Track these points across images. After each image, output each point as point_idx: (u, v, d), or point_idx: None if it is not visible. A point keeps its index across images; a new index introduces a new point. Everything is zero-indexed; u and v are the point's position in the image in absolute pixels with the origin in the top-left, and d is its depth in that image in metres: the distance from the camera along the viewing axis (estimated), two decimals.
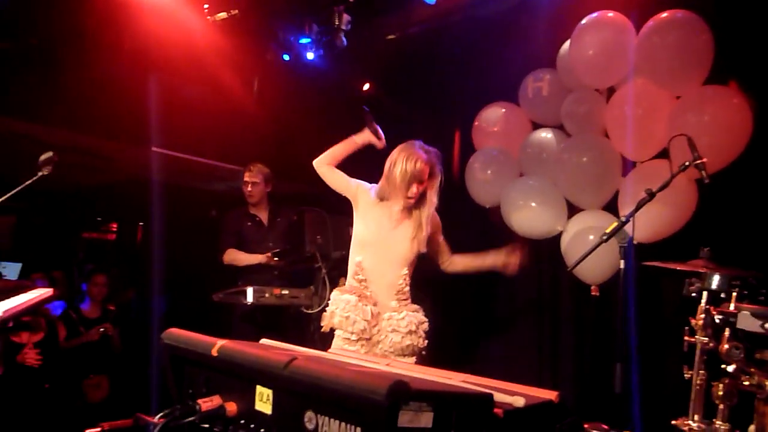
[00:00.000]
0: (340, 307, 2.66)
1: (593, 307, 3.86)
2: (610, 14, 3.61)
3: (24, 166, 3.03)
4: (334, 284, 3.71)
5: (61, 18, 3.93)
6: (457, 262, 3.00)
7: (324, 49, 4.52)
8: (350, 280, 2.77)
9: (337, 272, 3.96)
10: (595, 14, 3.63)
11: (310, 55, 4.60)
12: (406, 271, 2.77)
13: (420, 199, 2.77)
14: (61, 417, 4.24)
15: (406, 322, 2.66)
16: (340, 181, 2.84)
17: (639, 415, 3.18)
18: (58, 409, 4.24)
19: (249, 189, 4.13)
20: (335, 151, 2.87)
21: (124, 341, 4.73)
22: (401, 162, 2.71)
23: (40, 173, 2.89)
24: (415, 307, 2.77)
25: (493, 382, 1.35)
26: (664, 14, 3.39)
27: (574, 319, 4.11)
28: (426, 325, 2.75)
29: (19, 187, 2.86)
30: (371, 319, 2.64)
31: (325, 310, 2.76)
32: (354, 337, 2.62)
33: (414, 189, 2.69)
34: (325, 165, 2.85)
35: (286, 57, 4.69)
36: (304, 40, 4.46)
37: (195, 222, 5.86)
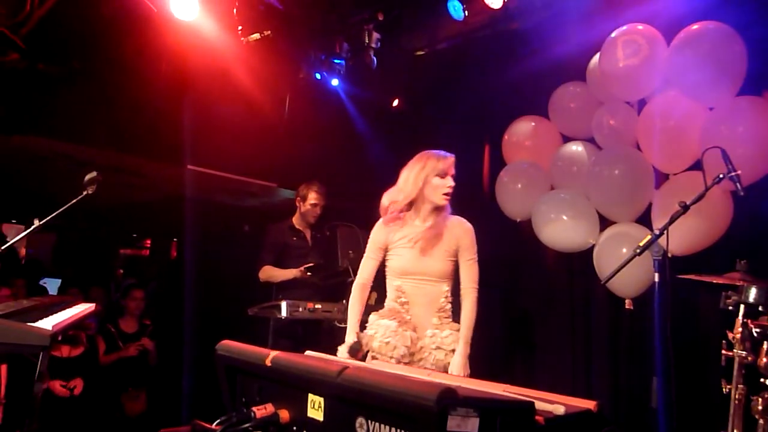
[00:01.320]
0: (380, 333, 2.62)
1: (628, 321, 3.83)
2: (640, 27, 3.62)
3: (66, 185, 3.15)
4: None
5: (102, 42, 4.09)
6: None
7: (354, 66, 4.61)
8: (391, 303, 2.71)
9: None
10: (624, 27, 3.64)
11: (335, 82, 4.70)
12: (447, 288, 2.71)
13: (440, 210, 2.72)
14: (102, 429, 4.34)
15: (451, 340, 2.61)
16: (373, 267, 2.79)
17: (676, 430, 3.12)
18: (99, 422, 4.34)
19: (318, 210, 4.18)
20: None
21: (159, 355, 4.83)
22: (429, 161, 2.67)
23: (85, 192, 2.96)
24: (457, 326, 2.70)
25: (533, 392, 1.38)
26: (695, 26, 3.39)
27: (608, 332, 4.08)
28: (467, 349, 2.67)
29: (66, 206, 2.95)
30: (411, 344, 2.60)
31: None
32: (393, 362, 2.56)
33: (450, 181, 2.65)
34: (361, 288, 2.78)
35: (318, 76, 4.79)
36: (336, 61, 4.54)
37: (228, 237, 5.97)
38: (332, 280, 4.22)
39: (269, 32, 4.35)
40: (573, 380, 4.21)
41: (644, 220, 3.67)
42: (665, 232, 2.65)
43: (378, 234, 2.77)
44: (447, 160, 2.69)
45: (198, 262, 5.61)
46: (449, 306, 2.69)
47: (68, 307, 3.20)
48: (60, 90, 4.11)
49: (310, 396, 1.12)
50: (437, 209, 2.71)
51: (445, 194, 2.67)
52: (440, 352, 2.58)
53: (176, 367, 4.92)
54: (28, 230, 3.15)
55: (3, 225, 7.12)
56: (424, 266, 2.68)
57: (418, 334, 2.63)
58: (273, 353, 1.22)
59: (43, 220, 2.84)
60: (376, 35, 4.35)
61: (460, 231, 2.73)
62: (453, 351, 2.59)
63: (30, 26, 3.54)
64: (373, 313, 2.73)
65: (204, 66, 4.42)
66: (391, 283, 2.73)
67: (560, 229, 3.90)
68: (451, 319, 2.70)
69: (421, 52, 4.78)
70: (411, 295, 2.66)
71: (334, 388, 1.05)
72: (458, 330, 2.65)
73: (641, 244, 2.63)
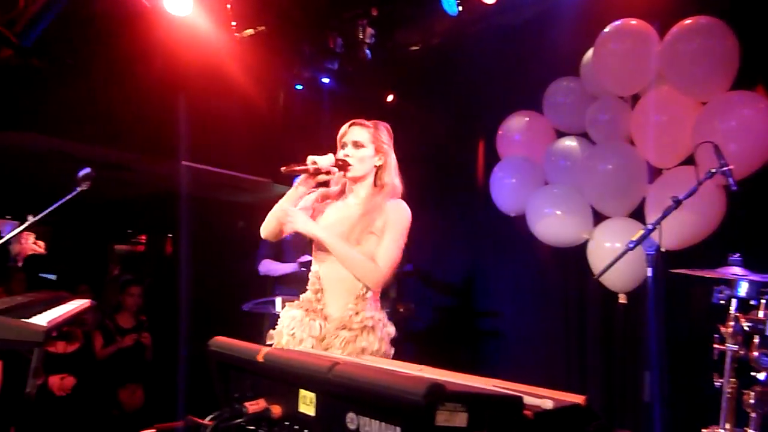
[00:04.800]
0: (285, 325, 2.31)
1: (621, 315, 3.85)
2: (633, 22, 3.63)
3: (60, 181, 3.14)
4: None
5: (95, 38, 4.08)
6: None
7: (348, 62, 4.61)
8: (306, 294, 2.38)
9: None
10: (618, 22, 3.65)
11: (325, 80, 4.70)
12: None
13: (362, 181, 2.37)
14: (99, 425, 4.36)
15: (360, 318, 2.22)
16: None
17: (668, 423, 3.15)
18: (96, 417, 4.36)
19: None
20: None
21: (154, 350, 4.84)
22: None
23: (79, 188, 2.96)
24: (379, 311, 2.31)
25: (522, 386, 1.39)
26: (688, 21, 3.40)
27: (601, 327, 4.10)
28: (391, 330, 2.28)
29: (59, 202, 2.94)
30: (319, 335, 2.23)
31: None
32: None
33: (347, 150, 2.33)
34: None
35: (309, 71, 4.80)
36: (329, 57, 4.55)
37: (223, 233, 5.98)
38: None
39: (263, 28, 4.35)
40: (567, 375, 4.23)
41: (637, 214, 3.69)
42: (658, 226, 2.66)
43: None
44: (344, 129, 2.40)
45: (193, 257, 5.61)
46: (370, 294, 2.27)
47: (63, 303, 3.21)
48: (53, 86, 4.11)
49: (302, 391, 1.13)
50: (355, 185, 2.40)
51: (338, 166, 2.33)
52: (349, 332, 2.19)
53: (172, 362, 4.93)
54: (23, 226, 3.15)
55: None
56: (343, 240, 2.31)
57: (331, 321, 2.28)
58: (265, 349, 1.23)
59: (37, 216, 2.83)
60: (370, 30, 4.36)
61: (392, 212, 2.33)
62: (364, 329, 2.20)
63: (23, 22, 3.52)
64: (286, 304, 2.42)
65: (198, 62, 4.42)
66: (312, 270, 2.40)
67: (554, 223, 3.92)
68: (372, 307, 2.28)
69: (415, 48, 4.79)
70: (327, 281, 2.31)
71: (325, 384, 1.06)
72: (377, 311, 2.28)
73: (634, 238, 2.65)
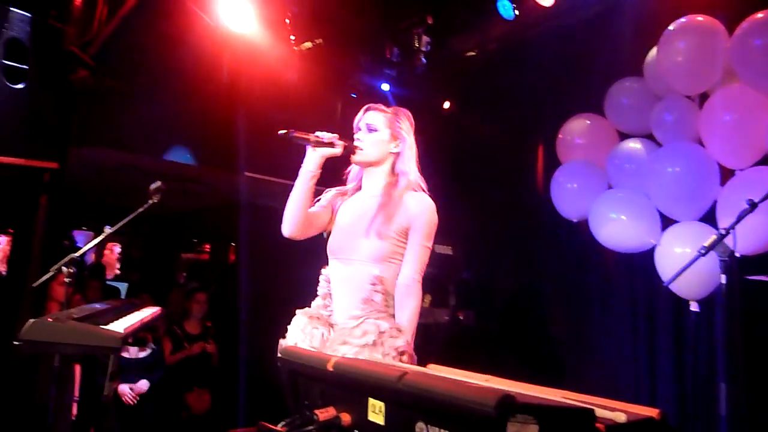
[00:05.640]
0: (290, 332, 2.14)
1: (693, 324, 3.70)
2: (700, 18, 3.50)
3: (132, 193, 3.30)
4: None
5: (163, 58, 4.27)
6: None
7: (404, 70, 4.64)
8: (315, 299, 2.23)
9: (423, 289, 4.00)
10: (683, 19, 3.53)
11: (385, 86, 4.74)
12: (377, 272, 2.06)
13: (380, 174, 2.23)
14: (168, 427, 4.53)
15: (362, 332, 1.98)
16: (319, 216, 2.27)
17: None
18: (166, 420, 4.53)
19: None
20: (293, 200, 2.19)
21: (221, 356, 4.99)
22: None
23: (151, 201, 3.09)
24: (387, 318, 2.05)
25: (592, 398, 1.36)
26: (759, 15, 3.25)
27: (672, 336, 3.95)
28: (400, 342, 1.97)
29: (133, 214, 3.09)
30: (319, 345, 2.05)
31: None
32: None
33: (359, 135, 2.21)
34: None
35: (367, 81, 4.86)
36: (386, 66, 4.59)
37: (283, 241, 6.09)
38: None
39: (320, 40, 4.44)
40: (636, 386, 4.09)
41: (708, 218, 3.54)
42: (732, 231, 2.55)
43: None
44: (359, 115, 2.27)
45: (254, 265, 5.76)
46: (379, 297, 2.04)
47: (137, 310, 3.37)
48: (125, 104, 4.32)
49: (371, 400, 1.15)
50: (369, 174, 2.26)
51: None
52: (348, 348, 1.96)
53: (237, 367, 5.07)
54: (100, 237, 3.33)
55: (74, 232, 7.53)
56: (352, 238, 2.15)
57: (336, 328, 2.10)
58: (334, 358, 1.26)
59: (113, 228, 2.98)
60: (425, 38, 4.37)
61: (414, 207, 2.13)
62: (366, 346, 1.95)
63: (97, 45, 3.73)
64: (297, 311, 2.24)
65: (258, 76, 4.55)
66: (323, 274, 2.26)
67: (619, 229, 3.80)
68: (379, 312, 2.05)
69: (472, 53, 4.77)
70: (335, 283, 2.15)
71: (394, 393, 1.08)
72: (381, 319, 2.02)
73: (706, 244, 2.54)
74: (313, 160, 2.16)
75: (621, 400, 1.41)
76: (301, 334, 2.08)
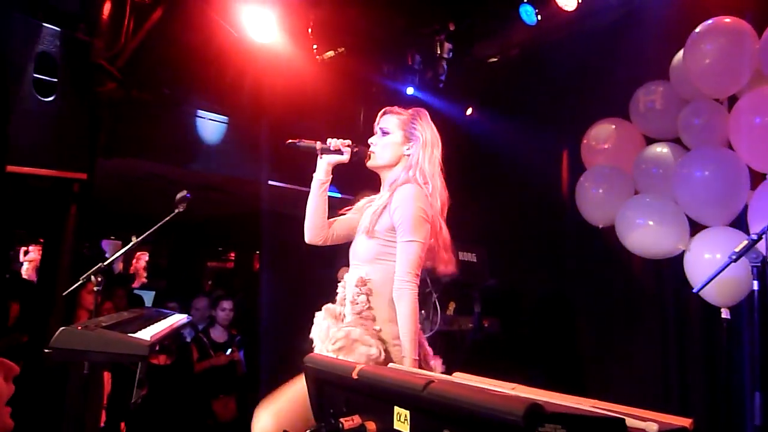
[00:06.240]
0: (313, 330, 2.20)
1: (725, 331, 3.61)
2: (727, 20, 3.44)
3: (158, 202, 3.34)
4: (445, 309, 3.73)
5: (188, 69, 4.34)
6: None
7: (427, 77, 4.65)
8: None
9: (447, 297, 3.99)
10: (710, 21, 3.47)
11: (410, 90, 4.75)
12: (363, 273, 2.06)
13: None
14: None
15: (334, 338, 1.98)
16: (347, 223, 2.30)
17: None
18: (192, 427, 4.57)
19: None
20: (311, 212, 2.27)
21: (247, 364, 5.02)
22: None
23: (176, 210, 3.13)
24: (369, 321, 2.01)
25: (622, 407, 1.33)
26: None
27: (703, 344, 3.86)
28: (373, 351, 1.93)
29: (160, 223, 3.13)
30: (324, 337, 2.09)
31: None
32: None
33: (374, 139, 2.22)
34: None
35: (390, 87, 4.87)
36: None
37: (306, 249, 6.13)
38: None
39: (343, 49, 4.46)
40: (666, 395, 4.00)
41: (739, 223, 3.46)
42: (764, 236, 2.49)
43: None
44: (378, 119, 2.26)
45: (279, 272, 5.79)
46: (363, 297, 2.03)
47: (164, 318, 3.41)
48: (152, 115, 4.40)
49: (396, 409, 1.14)
50: (385, 177, 2.25)
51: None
52: (330, 346, 1.99)
53: (263, 374, 5.09)
54: (128, 246, 3.38)
55: (103, 241, 7.68)
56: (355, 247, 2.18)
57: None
58: (359, 366, 1.25)
59: (140, 237, 3.02)
60: (447, 45, 4.38)
61: (395, 200, 2.08)
62: (340, 350, 1.95)
63: (124, 58, 3.81)
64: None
65: (281, 85, 4.60)
66: None
67: (647, 235, 3.74)
68: (364, 317, 2.03)
69: (494, 59, 4.75)
70: (347, 282, 2.16)
71: (419, 402, 1.07)
72: (360, 326, 2.00)
73: (737, 249, 2.49)
74: (321, 168, 2.21)
75: (651, 409, 1.38)
76: (316, 327, 2.15)
